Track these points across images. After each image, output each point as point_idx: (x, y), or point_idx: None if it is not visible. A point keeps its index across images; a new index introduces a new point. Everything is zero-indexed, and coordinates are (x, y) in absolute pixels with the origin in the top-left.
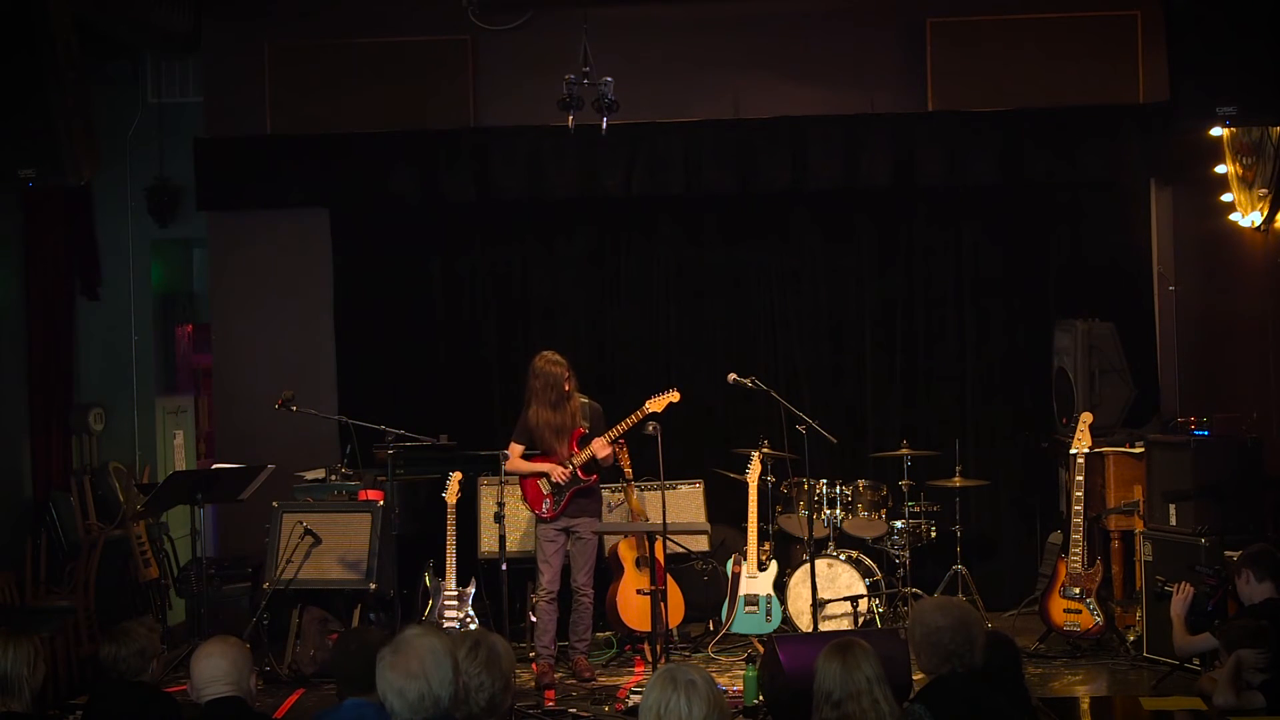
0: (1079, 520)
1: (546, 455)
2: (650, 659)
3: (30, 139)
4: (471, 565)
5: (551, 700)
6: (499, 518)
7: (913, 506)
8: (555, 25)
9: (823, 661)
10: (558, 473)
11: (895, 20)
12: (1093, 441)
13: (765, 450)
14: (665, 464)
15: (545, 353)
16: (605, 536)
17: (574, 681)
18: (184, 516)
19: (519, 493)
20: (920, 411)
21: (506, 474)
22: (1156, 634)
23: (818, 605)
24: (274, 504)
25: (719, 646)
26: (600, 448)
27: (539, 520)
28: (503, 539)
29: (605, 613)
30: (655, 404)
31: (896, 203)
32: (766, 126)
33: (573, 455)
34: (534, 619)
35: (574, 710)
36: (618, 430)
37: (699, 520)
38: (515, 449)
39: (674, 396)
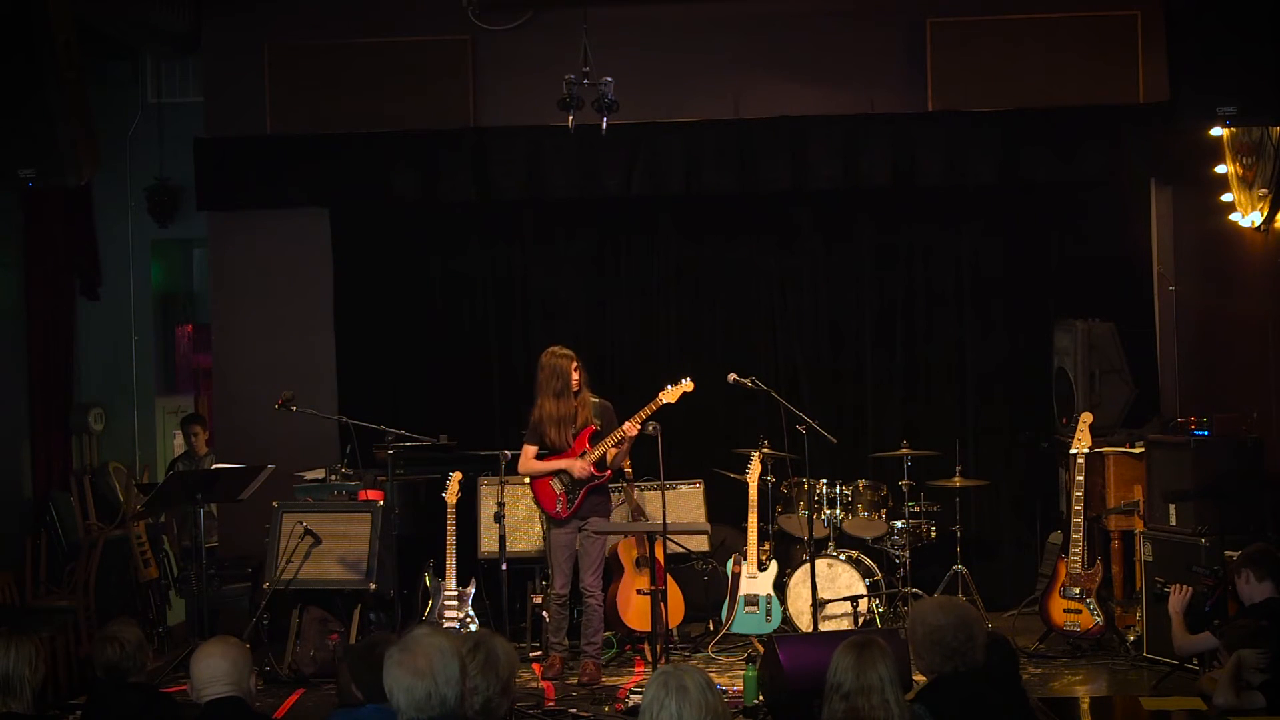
0: (1079, 520)
1: (554, 451)
2: (650, 659)
3: (30, 139)
4: (471, 565)
5: (551, 700)
6: (499, 518)
7: (913, 506)
8: (555, 25)
9: (839, 653)
10: (579, 468)
11: (895, 20)
12: (1093, 441)
13: (765, 450)
14: (665, 464)
15: (552, 347)
16: (605, 536)
17: (575, 682)
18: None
19: (519, 493)
20: (920, 411)
21: (521, 475)
22: (1156, 634)
23: (818, 605)
24: (274, 504)
25: (719, 646)
26: (625, 432)
27: (551, 523)
28: (503, 539)
29: (605, 613)
30: (669, 395)
31: (896, 203)
32: (766, 126)
33: (584, 453)
34: (545, 617)
35: (574, 710)
36: (638, 420)
37: (699, 520)
38: (528, 450)
39: (688, 386)
